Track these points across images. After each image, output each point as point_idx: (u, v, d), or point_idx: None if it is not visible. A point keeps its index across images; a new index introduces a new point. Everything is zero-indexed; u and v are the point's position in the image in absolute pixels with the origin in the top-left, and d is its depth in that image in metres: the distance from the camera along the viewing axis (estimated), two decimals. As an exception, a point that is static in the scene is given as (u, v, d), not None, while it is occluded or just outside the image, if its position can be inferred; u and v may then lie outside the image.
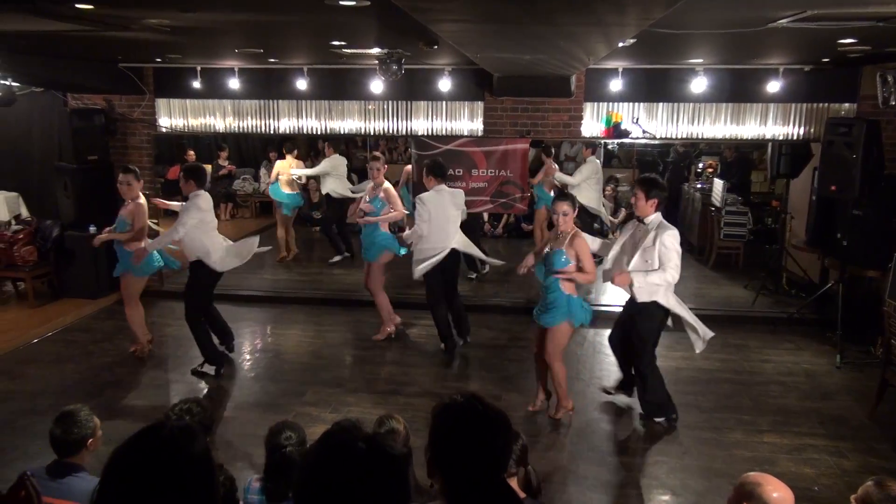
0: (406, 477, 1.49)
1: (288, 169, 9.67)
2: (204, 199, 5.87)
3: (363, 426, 1.51)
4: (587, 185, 9.20)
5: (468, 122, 8.18)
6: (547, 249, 5.09)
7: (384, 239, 6.75)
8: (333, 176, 9.69)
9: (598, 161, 9.53)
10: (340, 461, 1.42)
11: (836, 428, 5.27)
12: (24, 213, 8.75)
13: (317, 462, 1.45)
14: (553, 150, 9.73)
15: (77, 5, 3.99)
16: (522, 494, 2.70)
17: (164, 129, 8.61)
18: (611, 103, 7.89)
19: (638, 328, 5.09)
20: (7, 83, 6.47)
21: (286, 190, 9.68)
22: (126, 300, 6.39)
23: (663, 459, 4.84)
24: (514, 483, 2.71)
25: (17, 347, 6.75)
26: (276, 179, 9.70)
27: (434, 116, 8.20)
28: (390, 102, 8.22)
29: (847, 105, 7.54)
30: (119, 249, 6.26)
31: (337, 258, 9.81)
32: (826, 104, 7.60)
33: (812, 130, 7.67)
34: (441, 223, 6.18)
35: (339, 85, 8.18)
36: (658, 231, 4.86)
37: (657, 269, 4.81)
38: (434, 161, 6.47)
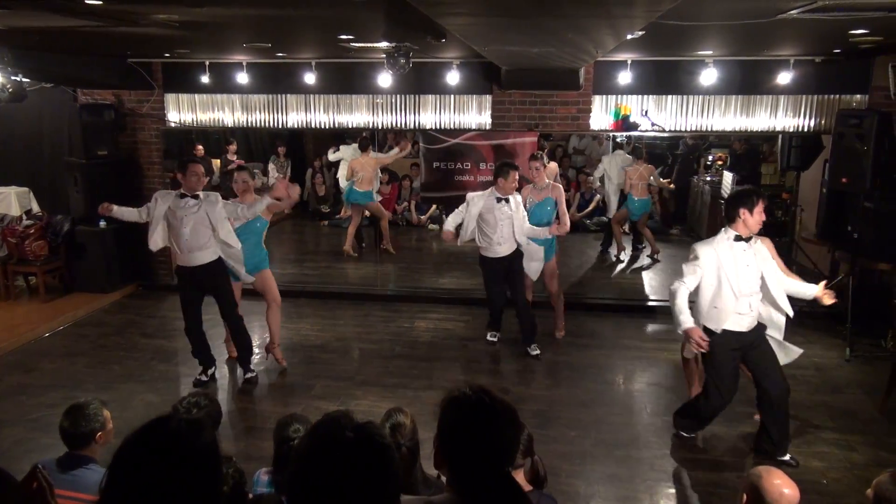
0: (395, 465, 1.49)
1: (372, 166, 9.66)
2: None
3: (354, 416, 1.52)
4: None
5: (476, 115, 8.15)
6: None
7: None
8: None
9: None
10: (328, 450, 1.44)
11: (846, 421, 5.24)
12: (35, 208, 8.81)
13: (306, 451, 1.47)
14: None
15: (87, 1, 4.00)
16: (529, 487, 2.71)
17: (172, 124, 8.63)
18: (620, 96, 7.84)
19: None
20: (18, 79, 6.49)
21: (365, 188, 9.67)
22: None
23: (671, 452, 4.83)
24: (520, 474, 2.72)
25: (30, 341, 6.82)
26: (352, 178, 9.64)
27: (442, 110, 8.18)
28: (398, 96, 8.20)
29: (858, 96, 7.45)
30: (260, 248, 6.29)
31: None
32: (837, 96, 7.51)
33: (823, 122, 7.59)
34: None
35: (347, 79, 8.17)
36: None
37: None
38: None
